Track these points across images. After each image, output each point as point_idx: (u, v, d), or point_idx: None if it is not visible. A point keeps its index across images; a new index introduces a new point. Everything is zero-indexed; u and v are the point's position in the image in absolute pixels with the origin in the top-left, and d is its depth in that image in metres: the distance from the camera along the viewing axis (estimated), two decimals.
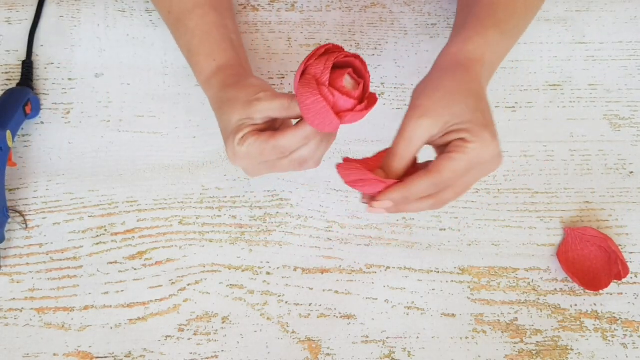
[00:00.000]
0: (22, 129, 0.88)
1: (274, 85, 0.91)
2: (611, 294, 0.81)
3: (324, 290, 0.81)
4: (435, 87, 0.68)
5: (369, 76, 0.65)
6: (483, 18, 0.75)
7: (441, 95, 0.67)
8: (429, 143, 0.68)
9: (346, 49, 0.92)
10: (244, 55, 0.84)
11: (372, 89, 0.89)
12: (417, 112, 0.66)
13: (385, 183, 0.65)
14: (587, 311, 0.81)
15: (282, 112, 0.69)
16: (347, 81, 0.64)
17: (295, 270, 0.82)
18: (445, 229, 0.84)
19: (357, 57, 0.65)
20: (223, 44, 0.80)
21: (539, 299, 0.81)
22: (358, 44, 0.93)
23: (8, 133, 0.81)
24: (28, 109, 0.85)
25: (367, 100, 0.64)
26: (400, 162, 0.66)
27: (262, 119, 0.70)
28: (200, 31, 0.81)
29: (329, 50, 0.64)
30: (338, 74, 0.64)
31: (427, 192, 0.66)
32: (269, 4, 0.95)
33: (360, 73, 0.65)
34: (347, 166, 0.67)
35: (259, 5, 0.95)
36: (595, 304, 0.81)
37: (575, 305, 0.81)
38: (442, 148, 0.68)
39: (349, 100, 0.63)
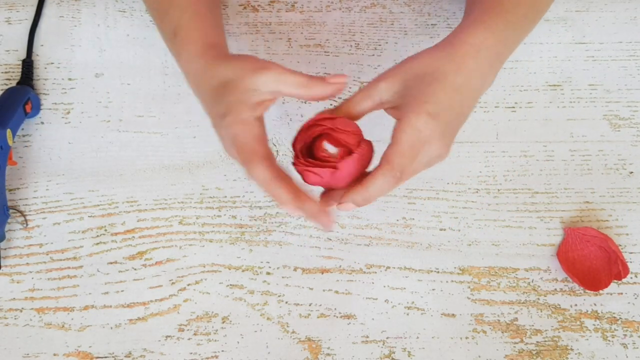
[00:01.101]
0: (22, 128, 0.88)
1: None
2: (611, 294, 0.81)
3: (324, 290, 0.81)
4: (410, 59, 0.68)
5: (353, 132, 0.67)
6: (487, 8, 0.73)
7: (407, 66, 0.68)
8: (388, 111, 0.69)
9: (346, 49, 0.93)
10: None
11: None
12: (382, 75, 0.68)
13: (319, 175, 0.66)
14: (587, 311, 0.81)
15: (295, 90, 0.66)
16: (327, 147, 0.66)
17: (295, 270, 0.82)
18: (445, 229, 0.84)
19: (332, 129, 0.66)
20: (217, 28, 0.77)
21: (539, 299, 0.81)
22: (358, 44, 0.93)
23: (8, 132, 0.81)
24: (28, 108, 0.85)
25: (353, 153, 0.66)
26: (352, 107, 0.68)
27: (271, 93, 0.67)
28: (192, 10, 0.76)
29: (309, 127, 0.67)
30: (319, 143, 0.67)
31: (386, 188, 0.65)
32: (269, 5, 0.95)
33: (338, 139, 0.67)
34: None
35: (259, 5, 0.95)
36: (595, 304, 0.81)
37: (575, 305, 0.81)
38: None
39: (325, 170, 0.65)
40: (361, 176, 0.66)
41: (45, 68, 0.91)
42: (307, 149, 0.68)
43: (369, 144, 0.67)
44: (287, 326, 0.80)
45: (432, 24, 0.95)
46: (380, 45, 0.94)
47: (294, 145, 0.68)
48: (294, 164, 0.67)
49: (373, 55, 0.93)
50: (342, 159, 0.65)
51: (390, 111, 0.69)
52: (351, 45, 0.93)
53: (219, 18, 0.82)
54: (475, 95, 0.71)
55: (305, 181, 0.67)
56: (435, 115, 0.64)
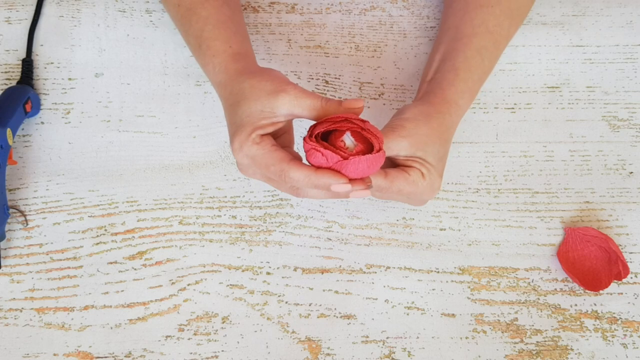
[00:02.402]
0: (22, 128, 0.88)
1: None
2: (611, 294, 0.82)
3: (324, 290, 0.81)
4: (425, 122, 0.74)
5: (374, 137, 0.66)
6: (473, 68, 0.81)
7: (426, 132, 0.73)
8: (390, 157, 0.74)
9: (346, 50, 0.93)
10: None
11: (372, 89, 0.90)
12: (402, 132, 0.72)
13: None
14: (587, 311, 0.81)
15: (310, 113, 0.68)
16: (346, 138, 0.66)
17: (295, 270, 0.82)
18: (445, 229, 0.84)
19: (362, 129, 0.66)
20: (239, 35, 0.79)
21: (539, 299, 0.81)
22: (358, 46, 0.94)
23: (8, 131, 0.81)
24: (28, 107, 0.85)
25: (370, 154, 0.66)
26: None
27: (285, 116, 0.69)
28: (214, 19, 0.79)
29: (339, 119, 0.66)
30: (340, 133, 0.66)
31: (375, 187, 0.71)
32: (269, 6, 0.96)
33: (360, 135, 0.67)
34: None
35: (259, 6, 0.96)
36: (595, 304, 0.81)
37: (575, 305, 0.81)
38: (392, 163, 0.75)
39: (334, 155, 0.65)
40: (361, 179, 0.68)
41: (45, 68, 0.91)
42: (324, 135, 0.67)
43: (384, 155, 0.67)
44: (287, 326, 0.80)
45: (430, 27, 0.95)
46: (379, 47, 0.94)
47: (313, 126, 0.67)
48: (304, 139, 0.66)
49: (373, 57, 0.93)
50: (357, 154, 0.65)
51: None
52: (351, 47, 0.94)
53: (242, 24, 0.83)
54: None
55: (308, 160, 0.67)
56: (440, 185, 0.75)
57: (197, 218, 0.84)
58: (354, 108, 0.67)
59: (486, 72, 0.83)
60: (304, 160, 0.71)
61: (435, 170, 0.73)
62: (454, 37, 0.84)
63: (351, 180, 0.66)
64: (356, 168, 0.65)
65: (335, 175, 0.66)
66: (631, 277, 0.82)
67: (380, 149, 0.65)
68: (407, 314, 0.80)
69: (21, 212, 0.83)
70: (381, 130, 0.72)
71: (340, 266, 0.82)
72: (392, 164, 0.75)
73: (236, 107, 0.70)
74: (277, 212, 0.85)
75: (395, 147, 0.71)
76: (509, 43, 0.93)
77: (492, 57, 0.84)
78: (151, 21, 0.94)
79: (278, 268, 0.82)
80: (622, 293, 0.82)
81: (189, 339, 0.79)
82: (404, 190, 0.72)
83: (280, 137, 0.75)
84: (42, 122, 0.88)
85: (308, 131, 0.67)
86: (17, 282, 0.81)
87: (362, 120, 0.66)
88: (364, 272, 0.82)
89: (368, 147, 0.66)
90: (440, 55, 0.84)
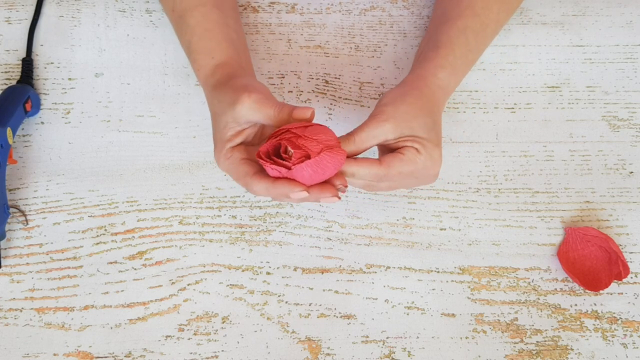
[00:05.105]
0: (23, 128, 0.87)
1: (274, 84, 0.91)
2: (611, 294, 0.82)
3: (324, 290, 0.81)
4: (402, 101, 0.75)
5: (319, 140, 0.67)
6: (455, 46, 0.81)
7: (405, 109, 0.74)
8: (381, 144, 0.75)
9: (346, 51, 0.93)
10: (246, 55, 0.84)
11: (372, 89, 0.90)
12: (383, 116, 0.73)
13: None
14: (587, 311, 0.81)
15: (267, 121, 0.71)
16: (288, 151, 0.68)
17: (295, 270, 0.82)
18: (445, 229, 0.84)
19: (298, 136, 0.67)
20: (223, 42, 0.80)
21: (539, 298, 0.81)
22: (358, 46, 0.94)
23: (8, 130, 0.81)
24: (28, 107, 0.85)
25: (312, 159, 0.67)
26: (352, 149, 0.72)
27: (248, 123, 0.72)
28: (200, 29, 0.81)
29: (280, 132, 0.69)
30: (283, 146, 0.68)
31: (371, 177, 0.72)
32: (269, 6, 0.96)
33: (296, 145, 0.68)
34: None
35: (259, 6, 0.96)
36: (595, 304, 0.81)
37: (575, 305, 0.81)
38: (389, 150, 0.75)
39: (281, 167, 0.67)
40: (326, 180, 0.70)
41: (45, 68, 0.91)
42: (275, 149, 0.69)
43: (337, 153, 0.68)
44: (287, 326, 0.80)
45: None
46: (379, 47, 0.94)
47: (263, 144, 0.69)
48: (255, 156, 0.69)
49: (373, 57, 0.93)
50: (298, 161, 0.67)
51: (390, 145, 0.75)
52: (351, 47, 0.94)
53: (232, 27, 0.84)
54: None
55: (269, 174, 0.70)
56: (441, 157, 0.75)
57: (197, 218, 0.84)
58: (303, 119, 0.69)
59: (472, 50, 0.83)
60: None
61: (429, 142, 0.73)
62: (440, 21, 0.85)
63: (311, 187, 0.69)
64: (303, 175, 0.67)
65: (290, 184, 0.68)
66: (631, 277, 0.82)
67: (320, 152, 0.66)
68: (407, 314, 0.80)
69: (21, 211, 0.83)
70: (365, 120, 0.74)
71: (340, 266, 0.82)
72: (388, 151, 0.75)
73: (213, 123, 0.75)
74: (277, 212, 0.85)
75: (380, 133, 0.72)
76: (510, 43, 0.94)
77: (479, 37, 0.84)
78: (151, 21, 0.94)
79: (278, 268, 0.82)
80: (622, 293, 0.82)
81: (189, 339, 0.79)
82: (404, 171, 0.72)
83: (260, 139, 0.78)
84: (42, 122, 0.88)
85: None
86: (17, 282, 0.81)
87: (304, 126, 0.68)
88: (364, 272, 0.82)
89: (311, 151, 0.68)
90: (425, 41, 0.86)
